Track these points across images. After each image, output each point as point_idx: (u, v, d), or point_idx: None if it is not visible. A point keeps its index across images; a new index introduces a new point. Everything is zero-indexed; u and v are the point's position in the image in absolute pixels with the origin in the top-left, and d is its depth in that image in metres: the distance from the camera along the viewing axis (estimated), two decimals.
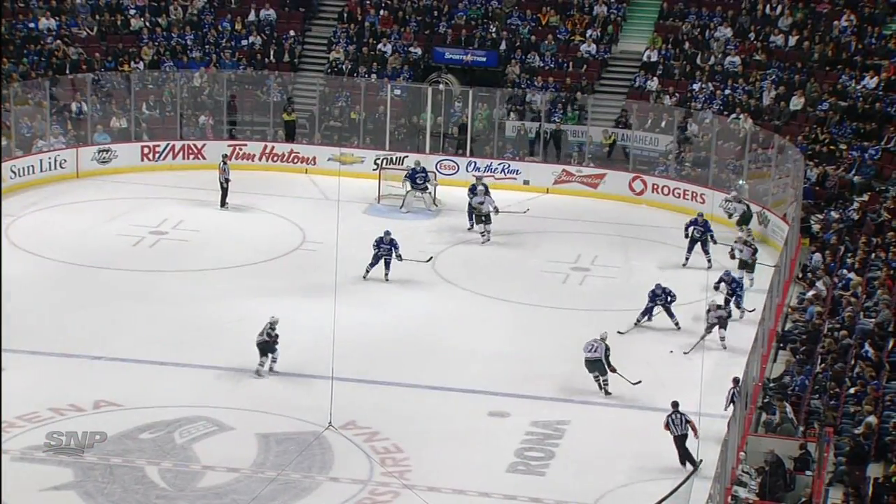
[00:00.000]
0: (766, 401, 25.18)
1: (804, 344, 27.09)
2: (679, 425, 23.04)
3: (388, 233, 31.40)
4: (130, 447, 24.04)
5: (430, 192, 36.74)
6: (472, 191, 34.06)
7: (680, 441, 23.20)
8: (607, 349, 26.02)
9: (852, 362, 25.31)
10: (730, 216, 33.86)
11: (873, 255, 30.40)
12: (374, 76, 42.44)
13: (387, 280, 31.06)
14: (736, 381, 24.28)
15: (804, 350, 26.83)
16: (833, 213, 34.08)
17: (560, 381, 26.93)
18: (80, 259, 31.98)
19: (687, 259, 32.61)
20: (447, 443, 24.66)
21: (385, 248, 31.17)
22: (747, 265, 30.59)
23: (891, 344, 25.57)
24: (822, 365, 25.75)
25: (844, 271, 29.91)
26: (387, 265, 31.21)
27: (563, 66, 42.72)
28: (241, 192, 36.45)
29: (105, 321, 28.80)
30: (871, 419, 22.43)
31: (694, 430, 23.17)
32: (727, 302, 28.75)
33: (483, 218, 33.56)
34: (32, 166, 37.27)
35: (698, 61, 41.71)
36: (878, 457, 22.13)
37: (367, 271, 31.14)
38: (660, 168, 38.87)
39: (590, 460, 23.74)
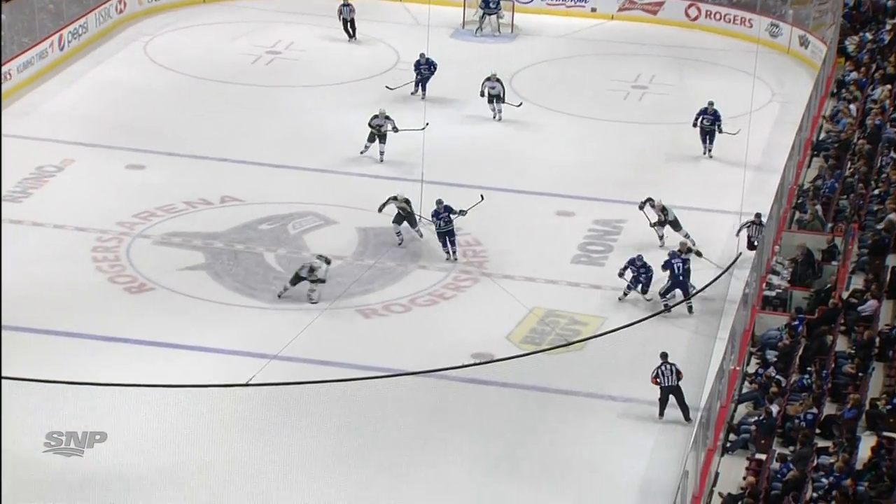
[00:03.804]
0: (799, 201, 24.94)
1: (836, 151, 26.68)
2: (669, 375, 19.01)
3: (422, 54, 30.44)
4: (251, 236, 24.41)
5: (500, 17, 35.95)
6: (488, 79, 29.99)
7: (667, 392, 19.12)
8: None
9: (878, 166, 24.94)
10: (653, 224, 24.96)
11: None
12: None
13: (423, 97, 30.13)
14: (758, 216, 23.63)
15: (835, 157, 26.44)
16: (867, 35, 33.04)
17: (619, 184, 26.81)
18: (208, 74, 32.00)
19: (704, 150, 28.14)
20: (520, 238, 24.76)
21: (425, 69, 30.42)
22: (672, 224, 24.36)
23: None
24: (851, 169, 25.40)
25: (874, 87, 29.23)
26: (423, 86, 30.47)
27: None
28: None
29: (230, 128, 28.97)
30: (893, 216, 22.17)
31: (680, 376, 19.12)
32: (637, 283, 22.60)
33: (495, 99, 29.83)
34: None
35: None
36: None
37: (415, 90, 30.49)
38: None
39: (644, 253, 23.67)
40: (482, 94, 29.72)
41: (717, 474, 17.83)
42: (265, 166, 27.27)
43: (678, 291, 22.33)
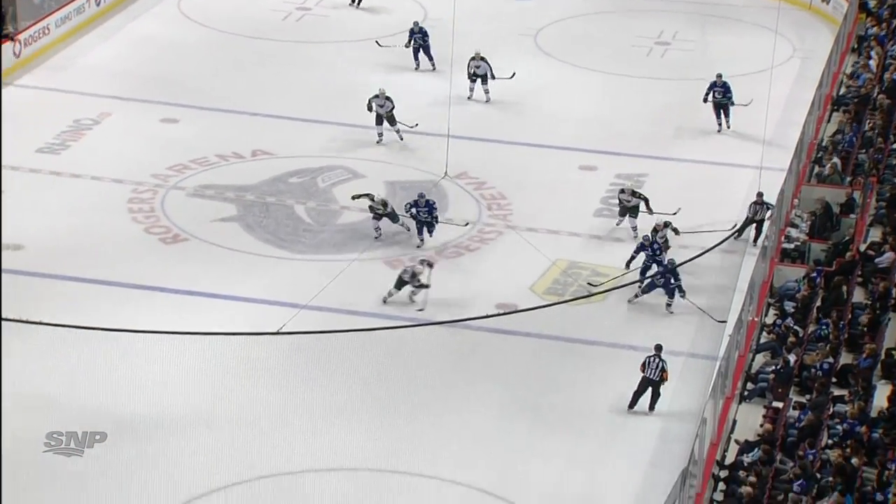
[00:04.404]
0: (818, 156, 24.77)
1: (855, 106, 26.44)
2: (654, 369, 18.08)
3: (416, 22, 29.60)
4: (282, 189, 24.44)
5: None
6: (473, 58, 27.77)
7: (646, 384, 18.19)
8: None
9: None
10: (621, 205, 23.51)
11: None
12: None
13: (417, 67, 29.24)
14: (759, 195, 22.62)
15: (855, 111, 26.20)
16: None
17: (641, 139, 26.67)
18: (240, 30, 31.92)
19: (719, 125, 26.93)
20: (544, 192, 24.68)
21: (419, 38, 29.02)
22: (630, 210, 23.01)
23: None
24: (870, 123, 25.18)
25: (894, 42, 28.93)
26: (419, 55, 29.13)
27: None
28: None
29: (261, 83, 28.92)
30: None
31: (665, 378, 18.17)
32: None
33: (479, 79, 27.74)
34: None
35: None
36: None
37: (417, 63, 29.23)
38: None
39: (665, 207, 23.59)
40: (469, 76, 27.61)
41: (734, 421, 17.86)
42: (296, 121, 27.23)
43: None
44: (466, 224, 23.27)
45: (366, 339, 19.64)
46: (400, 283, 20.71)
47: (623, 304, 20.89)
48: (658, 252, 21.34)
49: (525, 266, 21.90)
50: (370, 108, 25.87)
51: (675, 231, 22.24)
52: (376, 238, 22.64)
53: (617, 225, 23.17)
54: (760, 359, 19.12)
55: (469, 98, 27.70)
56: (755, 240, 22.49)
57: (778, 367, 18.36)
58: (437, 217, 22.60)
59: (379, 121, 25.96)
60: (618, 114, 28.00)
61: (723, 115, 26.85)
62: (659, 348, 18.23)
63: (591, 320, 20.45)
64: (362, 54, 30.66)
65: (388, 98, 25.78)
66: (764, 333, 19.69)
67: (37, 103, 27.29)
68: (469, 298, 20.92)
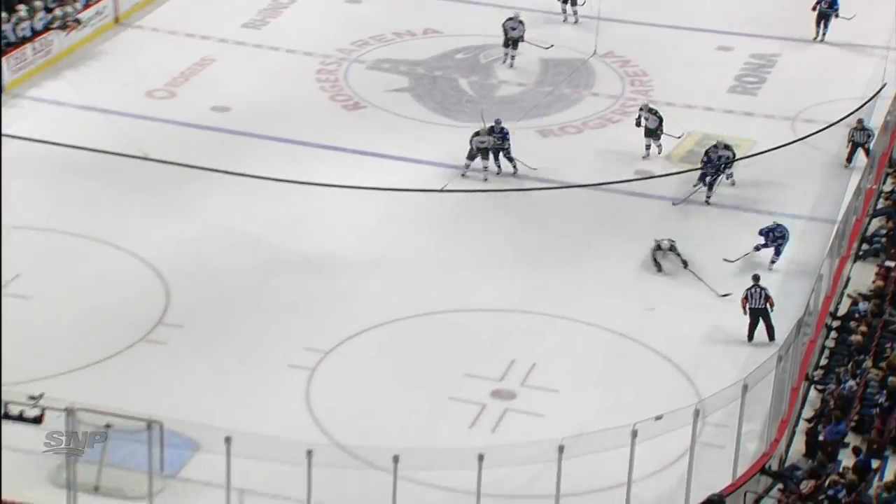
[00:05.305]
0: None
1: None
2: (758, 298, 16.22)
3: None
4: (448, 64, 24.25)
5: None
6: (510, 18, 24.07)
7: (756, 314, 16.34)
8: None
9: None
10: (638, 125, 21.13)
11: None
12: None
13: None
14: (860, 122, 19.94)
15: None
16: None
17: (776, 21, 25.54)
18: None
19: (817, 33, 24.96)
20: (683, 70, 23.97)
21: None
22: (654, 133, 20.93)
23: None
24: None
25: None
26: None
27: None
28: None
29: None
30: None
31: (771, 304, 16.34)
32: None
33: (511, 43, 23.92)
34: None
35: None
36: None
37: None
38: None
39: (796, 84, 22.64)
40: (505, 40, 23.83)
41: (848, 278, 17.32)
42: (464, 3, 26.77)
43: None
44: (549, 46, 22.39)
45: (519, 198, 19.57)
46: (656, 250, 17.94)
47: (749, 172, 20.21)
48: (721, 169, 19.54)
49: (662, 137, 21.33)
50: (505, 32, 23.62)
51: (731, 153, 19.73)
52: (485, 180, 19.95)
53: (647, 148, 20.67)
54: (876, 223, 18.44)
55: (505, 63, 23.97)
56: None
57: (892, 230, 17.66)
58: (510, 147, 19.97)
59: (507, 44, 23.70)
60: None
61: (822, 26, 24.79)
62: (756, 278, 16.38)
63: (719, 186, 19.89)
64: None
65: (520, 21, 23.74)
66: (881, 200, 18.91)
67: None
68: (610, 164, 20.56)
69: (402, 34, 25.44)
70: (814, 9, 24.97)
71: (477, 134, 20.09)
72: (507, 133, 20.12)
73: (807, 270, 17.52)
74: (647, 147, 20.78)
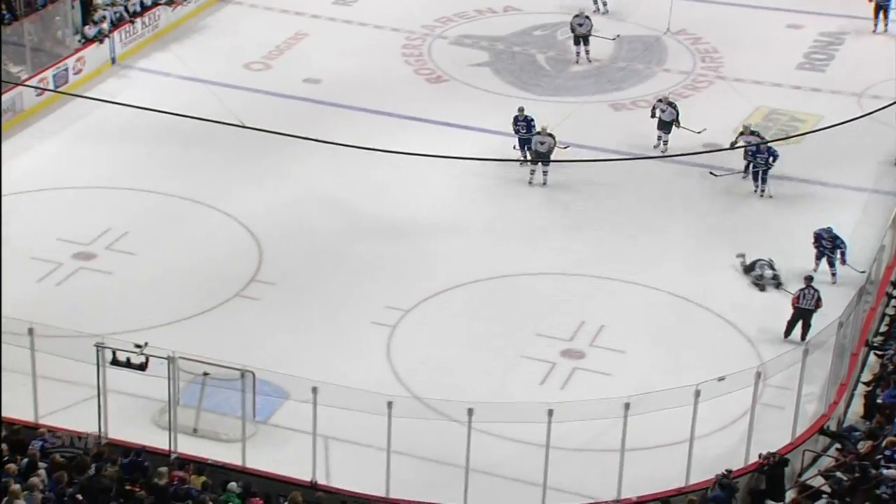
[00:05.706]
0: None
1: None
2: (810, 299, 15.35)
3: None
4: (527, 40, 24.05)
5: None
6: (577, 15, 23.00)
7: (801, 314, 15.48)
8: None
9: None
10: (652, 116, 20.20)
11: None
12: None
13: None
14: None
15: None
16: None
17: (844, 1, 24.82)
18: None
19: (876, 25, 23.88)
20: (753, 47, 23.49)
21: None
22: (667, 126, 19.98)
23: None
24: None
25: None
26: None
27: None
28: None
29: None
30: None
31: (819, 306, 15.39)
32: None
33: (581, 40, 22.97)
34: None
35: None
36: None
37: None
38: None
39: (864, 61, 22.00)
40: (573, 36, 22.94)
41: None
42: None
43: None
44: (616, 37, 21.93)
45: (590, 168, 19.36)
46: (749, 269, 16.89)
47: (815, 145, 19.70)
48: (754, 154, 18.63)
49: (731, 111, 20.96)
50: (572, 30, 22.89)
51: (759, 137, 19.01)
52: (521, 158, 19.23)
53: (659, 139, 19.79)
54: None
55: (577, 62, 23.01)
56: None
57: None
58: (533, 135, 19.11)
59: (577, 41, 22.87)
60: None
61: (881, 16, 23.84)
62: (810, 279, 15.62)
63: (785, 158, 19.46)
64: None
65: (587, 17, 22.91)
66: None
67: None
68: (679, 137, 20.22)
69: (484, 11, 25.27)
70: (870, 0, 24.00)
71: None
72: (533, 121, 19.13)
73: (869, 242, 17.02)
74: (659, 138, 19.86)
